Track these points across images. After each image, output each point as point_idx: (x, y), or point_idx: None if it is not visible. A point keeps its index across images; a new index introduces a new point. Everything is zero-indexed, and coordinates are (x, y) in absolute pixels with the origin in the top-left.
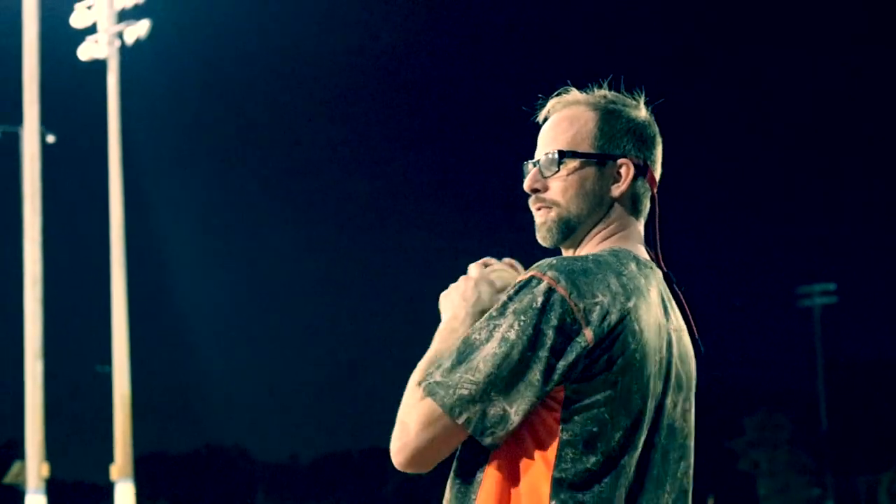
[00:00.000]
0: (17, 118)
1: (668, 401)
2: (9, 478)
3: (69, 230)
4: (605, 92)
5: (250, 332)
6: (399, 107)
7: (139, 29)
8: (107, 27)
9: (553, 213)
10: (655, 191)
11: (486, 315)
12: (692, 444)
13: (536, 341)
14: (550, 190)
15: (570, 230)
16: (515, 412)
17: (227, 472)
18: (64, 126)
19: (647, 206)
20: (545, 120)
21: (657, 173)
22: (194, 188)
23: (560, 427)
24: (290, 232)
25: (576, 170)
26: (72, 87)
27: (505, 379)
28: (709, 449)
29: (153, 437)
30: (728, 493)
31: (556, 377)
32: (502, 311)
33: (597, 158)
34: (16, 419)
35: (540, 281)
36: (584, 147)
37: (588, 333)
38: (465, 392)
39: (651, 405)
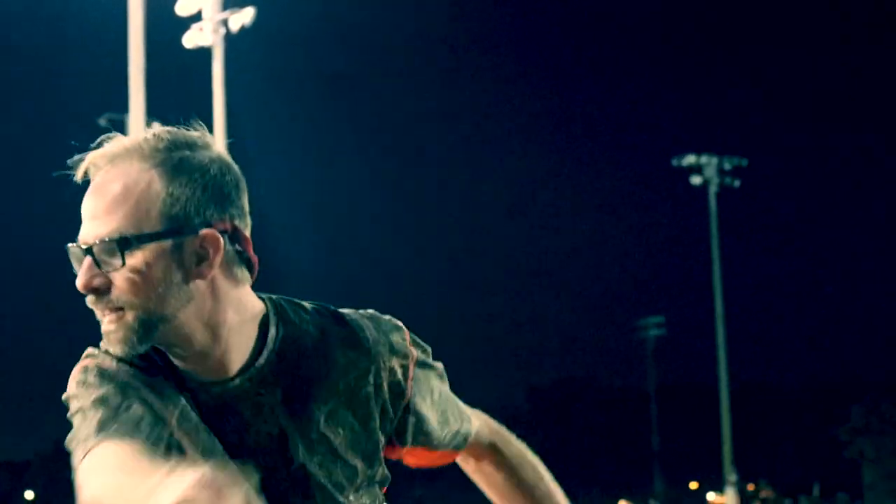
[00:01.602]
0: (123, 106)
1: None
2: None
3: None
4: (160, 133)
5: None
6: (502, 86)
7: (244, 16)
8: (212, 15)
9: (128, 318)
10: (251, 251)
11: None
12: None
13: None
14: (116, 288)
15: (151, 331)
16: None
17: None
18: (169, 114)
19: (251, 269)
20: (87, 181)
21: (248, 228)
22: (299, 177)
23: None
24: (400, 221)
25: (146, 258)
26: (177, 75)
27: None
28: (814, 437)
29: None
30: (833, 481)
31: None
32: None
33: (171, 237)
34: None
35: None
36: (151, 223)
37: None
38: None
39: None
